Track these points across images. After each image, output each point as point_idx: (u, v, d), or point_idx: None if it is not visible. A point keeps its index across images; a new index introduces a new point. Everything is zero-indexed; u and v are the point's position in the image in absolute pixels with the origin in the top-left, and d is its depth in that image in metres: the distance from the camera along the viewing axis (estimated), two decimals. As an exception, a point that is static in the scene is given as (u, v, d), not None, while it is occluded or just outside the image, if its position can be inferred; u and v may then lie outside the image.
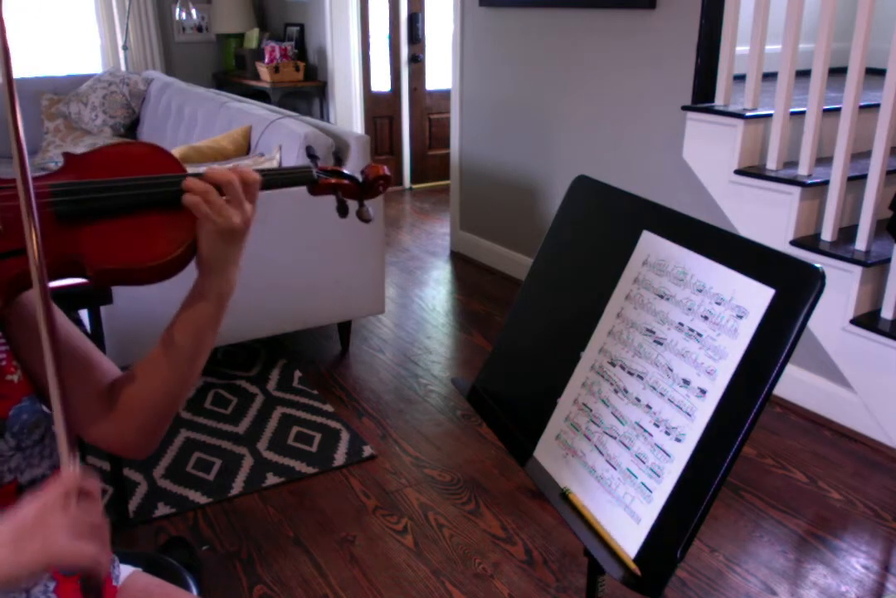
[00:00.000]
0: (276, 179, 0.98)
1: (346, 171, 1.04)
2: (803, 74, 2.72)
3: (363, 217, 1.04)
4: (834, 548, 2.10)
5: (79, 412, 0.92)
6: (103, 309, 2.03)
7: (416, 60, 5.65)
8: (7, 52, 0.76)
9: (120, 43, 5.46)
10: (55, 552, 0.66)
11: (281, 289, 2.83)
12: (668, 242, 1.02)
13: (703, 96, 2.93)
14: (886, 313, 2.49)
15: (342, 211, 1.02)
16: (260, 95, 5.22)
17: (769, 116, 2.74)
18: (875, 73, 2.76)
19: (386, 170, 1.04)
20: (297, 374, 3.01)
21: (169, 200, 0.87)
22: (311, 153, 1.04)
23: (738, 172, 2.77)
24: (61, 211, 0.83)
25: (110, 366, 0.99)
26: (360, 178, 1.03)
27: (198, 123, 3.90)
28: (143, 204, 0.86)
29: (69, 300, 1.67)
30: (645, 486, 0.94)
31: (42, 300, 0.75)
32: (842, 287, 2.52)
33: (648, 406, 0.97)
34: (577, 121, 3.53)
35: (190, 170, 0.92)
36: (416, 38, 5.60)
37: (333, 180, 1.01)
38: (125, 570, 1.11)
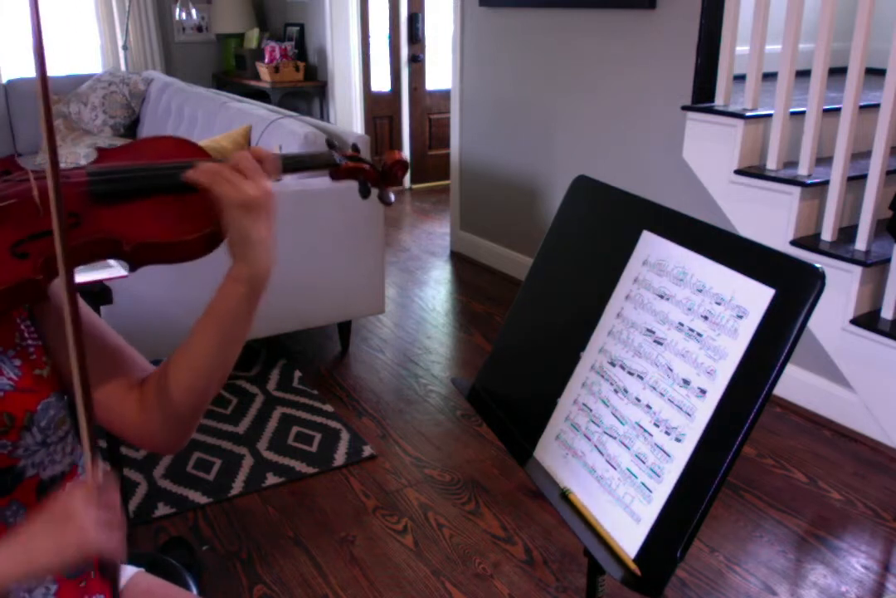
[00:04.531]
0: (302, 162, 1.02)
1: (364, 157, 1.07)
2: (803, 74, 2.72)
3: (384, 200, 1.07)
4: (834, 548, 2.10)
5: (110, 407, 0.93)
6: (103, 309, 2.03)
7: (416, 60, 5.65)
8: (42, 50, 0.81)
9: (120, 43, 5.46)
10: (89, 544, 0.74)
11: (281, 289, 2.81)
12: (668, 242, 1.02)
13: (703, 96, 2.93)
14: (886, 313, 2.49)
15: (364, 193, 1.06)
16: (260, 95, 5.22)
17: (769, 116, 2.74)
18: (875, 73, 2.76)
19: (403, 155, 1.07)
20: (297, 374, 3.01)
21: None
22: (330, 143, 1.08)
23: (738, 172, 2.77)
24: (97, 191, 0.88)
25: (143, 362, 1.00)
26: (378, 164, 1.06)
27: (198, 123, 3.90)
28: (173, 185, 0.90)
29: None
30: (645, 486, 0.94)
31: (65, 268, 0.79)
32: (842, 287, 2.52)
33: (648, 406, 0.97)
34: (577, 121, 3.53)
35: None
36: (416, 38, 5.60)
37: (354, 165, 1.04)
38: (128, 571, 1.10)
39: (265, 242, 0.89)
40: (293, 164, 1.01)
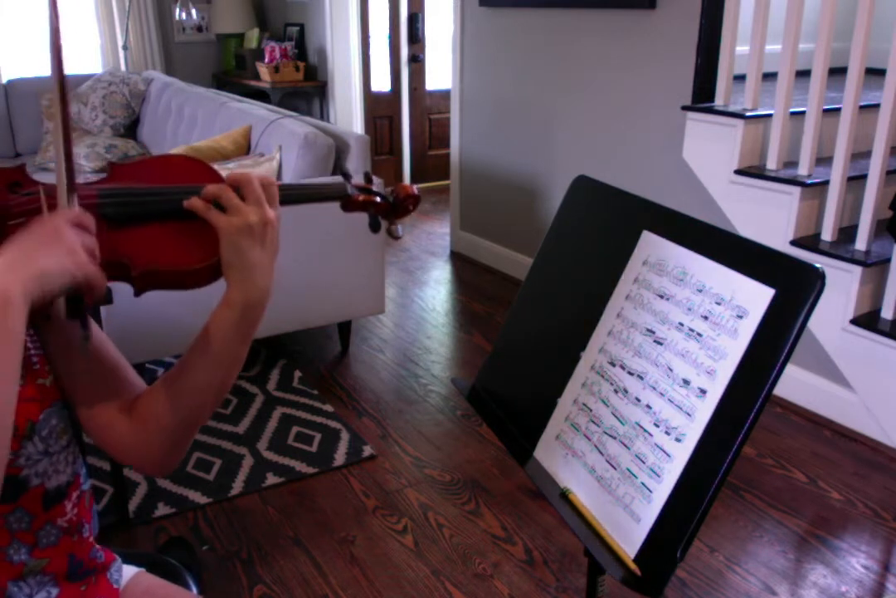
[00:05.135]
0: (311, 193, 1.01)
1: (377, 189, 1.05)
2: (803, 74, 2.72)
3: (393, 235, 1.07)
4: (834, 548, 2.10)
5: (103, 426, 0.93)
6: (103, 309, 2.04)
7: (416, 60, 5.65)
8: (59, 52, 0.79)
9: (120, 43, 5.46)
10: (79, 263, 0.75)
11: (281, 289, 2.81)
12: (668, 242, 1.02)
13: (703, 96, 2.93)
14: (886, 313, 2.49)
15: (374, 227, 1.05)
16: (260, 95, 5.22)
17: (769, 116, 2.74)
18: (875, 73, 2.76)
19: (415, 189, 1.05)
20: (297, 374, 3.01)
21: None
22: (344, 172, 1.08)
23: (738, 172, 2.77)
24: (107, 213, 0.86)
25: (138, 381, 0.99)
26: (390, 197, 1.04)
27: (198, 123, 3.90)
28: (180, 211, 0.88)
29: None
30: (645, 486, 0.94)
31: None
32: (842, 287, 2.52)
33: (648, 406, 0.97)
34: (577, 121, 3.53)
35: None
36: (416, 38, 5.60)
37: (365, 198, 1.02)
38: (128, 570, 1.10)
39: (260, 268, 0.87)
40: (304, 196, 1.00)
